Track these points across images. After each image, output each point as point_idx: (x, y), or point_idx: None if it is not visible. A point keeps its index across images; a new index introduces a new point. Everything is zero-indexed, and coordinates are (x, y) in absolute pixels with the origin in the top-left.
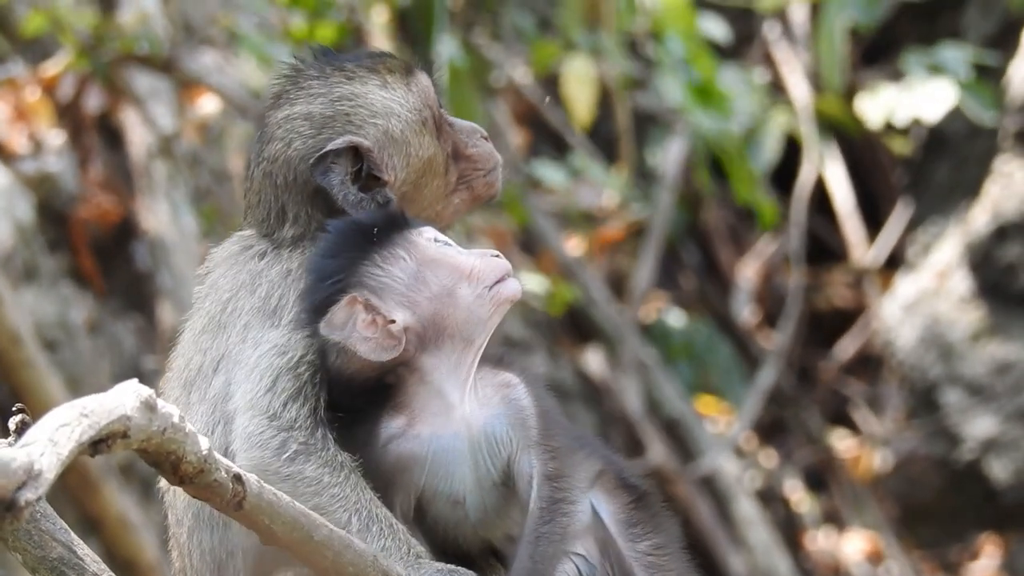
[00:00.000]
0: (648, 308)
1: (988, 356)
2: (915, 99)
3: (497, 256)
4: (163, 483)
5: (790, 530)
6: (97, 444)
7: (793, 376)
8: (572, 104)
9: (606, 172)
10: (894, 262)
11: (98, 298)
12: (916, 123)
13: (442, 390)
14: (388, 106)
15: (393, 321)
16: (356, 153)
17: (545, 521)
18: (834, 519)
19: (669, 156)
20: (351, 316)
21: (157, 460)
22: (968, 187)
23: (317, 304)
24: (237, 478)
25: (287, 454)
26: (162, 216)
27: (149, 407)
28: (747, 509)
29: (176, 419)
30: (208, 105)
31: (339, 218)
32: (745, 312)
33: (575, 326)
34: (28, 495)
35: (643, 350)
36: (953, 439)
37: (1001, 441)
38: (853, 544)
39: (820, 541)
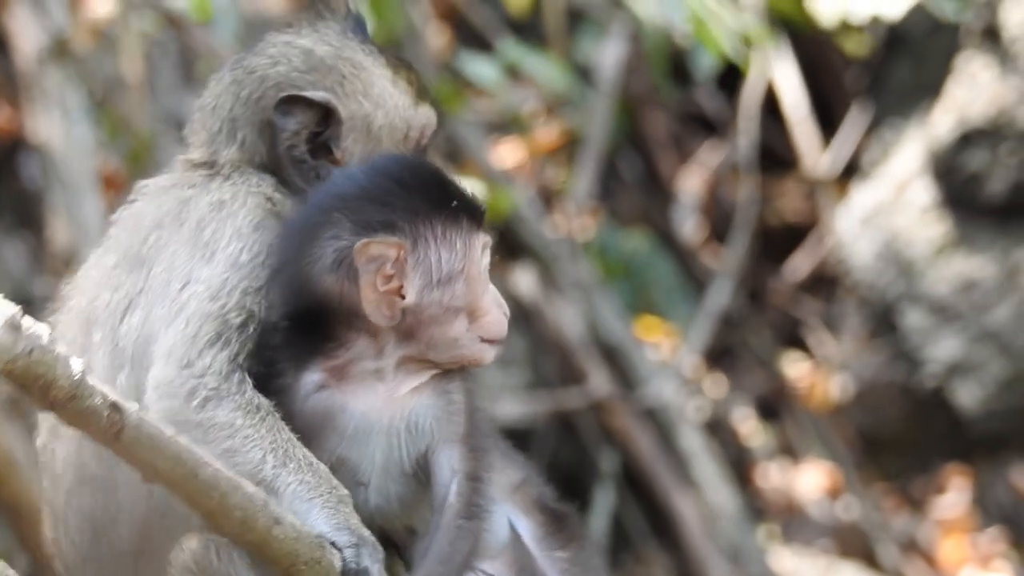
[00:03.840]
0: (584, 223)
1: (952, 272)
2: None
3: (506, 316)
4: (40, 439)
5: (740, 464)
6: None
7: (742, 297)
8: None
9: (543, 61)
10: (851, 172)
11: None
12: (875, 21)
13: (382, 371)
14: (384, 99)
15: (403, 297)
16: (326, 115)
17: (462, 517)
18: (788, 451)
19: (606, 57)
20: (380, 259)
21: (24, 384)
22: (929, 89)
23: (355, 218)
24: (114, 407)
25: (196, 401)
26: (53, 127)
27: (13, 327)
28: (693, 441)
29: (44, 340)
30: (102, 5)
31: (293, 165)
32: (689, 227)
33: (503, 243)
34: None
35: (579, 269)
36: (915, 363)
37: (967, 364)
38: (809, 478)
39: (773, 475)
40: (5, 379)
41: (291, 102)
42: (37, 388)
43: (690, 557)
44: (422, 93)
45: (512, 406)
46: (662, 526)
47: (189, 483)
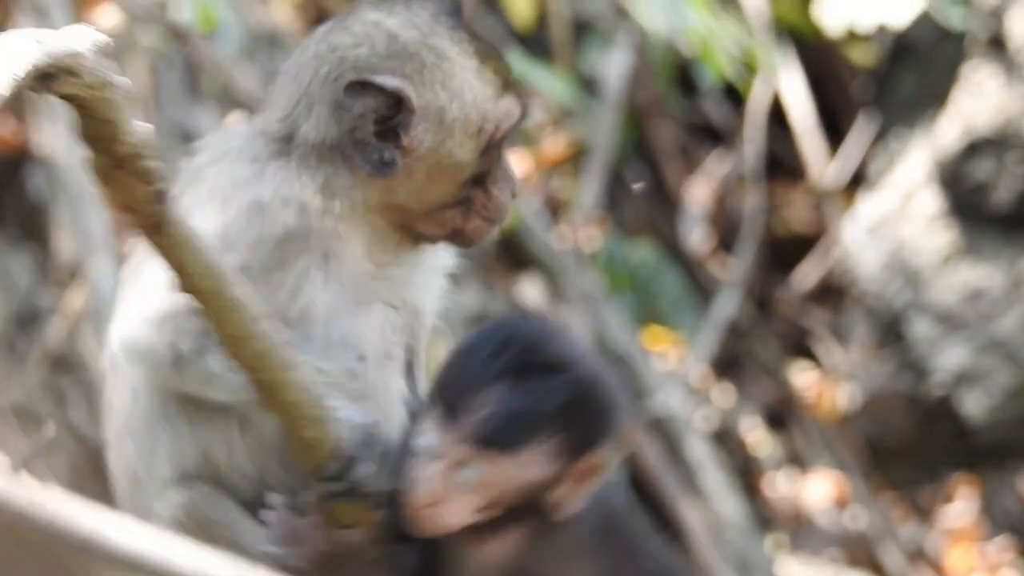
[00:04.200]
0: (590, 234)
1: (958, 282)
2: (880, 2)
3: None
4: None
5: (747, 474)
6: (47, 79)
7: (750, 307)
8: (511, 3)
9: (548, 74)
10: (858, 181)
11: None
12: (881, 30)
13: None
14: (463, 90)
15: None
16: (399, 102)
17: None
18: (795, 461)
19: (612, 68)
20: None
21: (96, 130)
22: (935, 98)
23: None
24: (160, 195)
25: (181, 364)
26: (59, 140)
27: (101, 52)
28: (700, 451)
29: (124, 82)
30: (107, 18)
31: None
32: (696, 237)
33: (510, 254)
34: None
35: (585, 280)
36: (922, 372)
37: (973, 374)
38: (816, 487)
39: (780, 485)
40: (80, 112)
41: (362, 85)
42: (105, 132)
43: (697, 567)
44: (508, 85)
45: None
46: (669, 536)
47: (217, 298)
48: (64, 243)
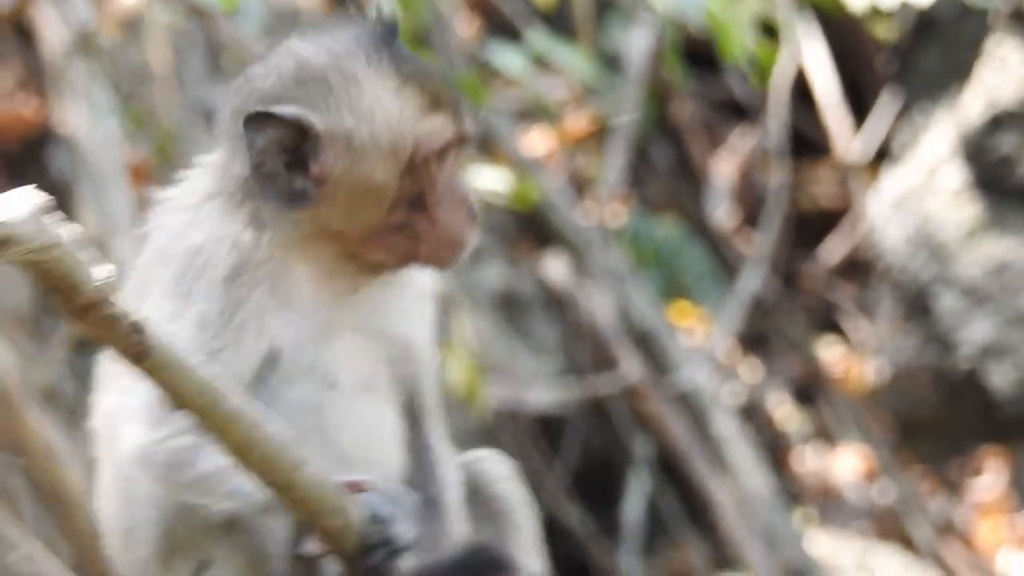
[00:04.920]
0: (615, 210)
1: (983, 255)
2: None
3: None
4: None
5: (775, 449)
6: None
7: (776, 282)
8: None
9: (572, 51)
10: (882, 156)
11: None
12: (905, 6)
13: None
14: (372, 113)
15: None
16: (303, 131)
17: None
18: (823, 435)
19: (635, 45)
20: None
21: (53, 285)
22: (959, 73)
23: None
24: (136, 327)
25: (177, 467)
26: (81, 119)
27: (38, 217)
28: (727, 426)
29: (73, 238)
30: None
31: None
32: (721, 213)
33: (534, 230)
34: None
35: (610, 256)
36: (948, 346)
37: (999, 347)
38: (845, 461)
39: (808, 459)
40: (33, 273)
41: (264, 117)
42: (63, 287)
43: (726, 542)
44: (438, 104)
45: (545, 393)
46: (697, 511)
47: (213, 413)
48: (87, 222)
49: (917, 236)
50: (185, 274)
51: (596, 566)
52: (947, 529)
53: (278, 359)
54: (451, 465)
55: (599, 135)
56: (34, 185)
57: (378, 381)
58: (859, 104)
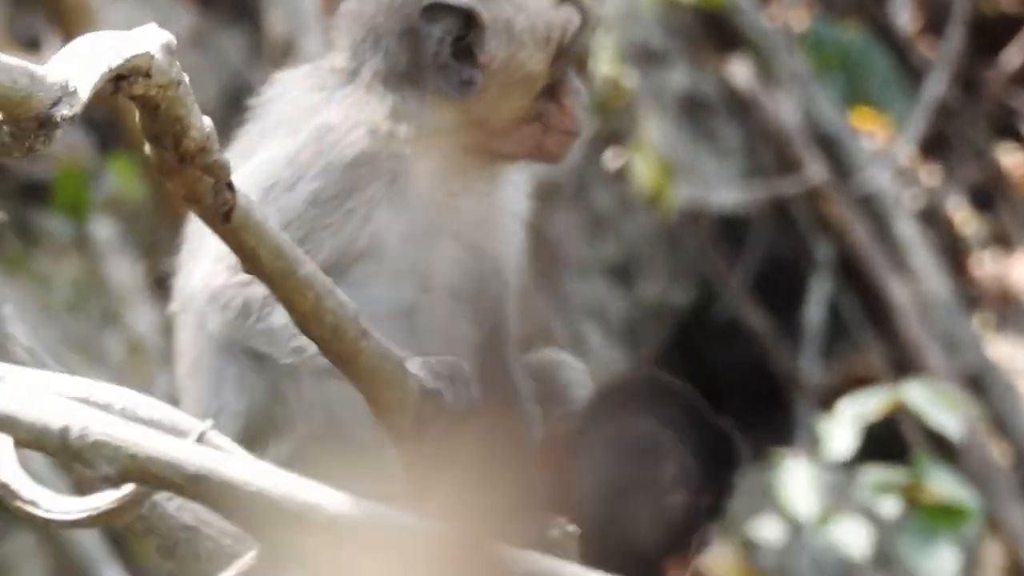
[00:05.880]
0: (799, 14)
1: None
2: None
3: None
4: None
5: (954, 252)
6: (119, 80)
7: (957, 88)
8: None
9: None
10: None
11: (199, 7)
12: None
13: None
14: (526, 1)
15: None
16: (469, 21)
17: None
18: (1002, 240)
19: None
20: None
21: (163, 128)
22: None
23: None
24: (230, 185)
25: (252, 316)
26: None
27: (170, 51)
28: (908, 230)
29: (187, 80)
30: None
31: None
32: (905, 18)
33: (719, 33)
34: (64, 111)
35: (794, 60)
36: None
37: None
38: (1023, 267)
39: (987, 264)
40: (147, 112)
41: (434, 9)
42: (171, 136)
43: (906, 345)
44: None
45: (728, 194)
46: (877, 315)
47: (287, 279)
48: (277, 21)
49: None
50: (309, 149)
51: (777, 368)
52: None
53: (380, 254)
54: (528, 395)
55: None
56: None
57: (466, 294)
58: None
